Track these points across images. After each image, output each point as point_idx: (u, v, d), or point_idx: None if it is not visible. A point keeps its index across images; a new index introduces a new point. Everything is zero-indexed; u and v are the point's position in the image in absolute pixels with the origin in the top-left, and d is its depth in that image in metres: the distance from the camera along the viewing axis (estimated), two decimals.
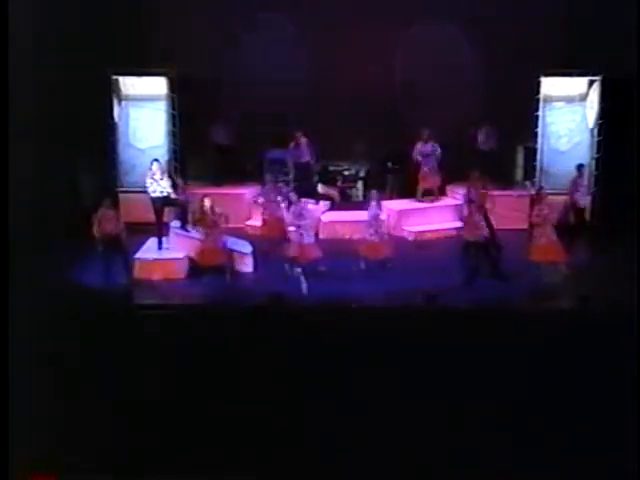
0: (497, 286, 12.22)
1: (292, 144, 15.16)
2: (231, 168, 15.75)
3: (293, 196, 13.35)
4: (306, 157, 15.17)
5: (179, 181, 13.93)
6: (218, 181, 15.51)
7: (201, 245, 12.76)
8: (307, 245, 12.69)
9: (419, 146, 14.99)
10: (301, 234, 12.68)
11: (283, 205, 13.47)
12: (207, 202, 12.73)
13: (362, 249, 13.02)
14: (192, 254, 12.95)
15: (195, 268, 12.90)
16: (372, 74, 15.45)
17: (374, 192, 13.55)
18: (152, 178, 13.35)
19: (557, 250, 12.42)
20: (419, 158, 15.04)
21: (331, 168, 15.77)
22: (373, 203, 13.25)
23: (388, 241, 13.23)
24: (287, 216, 13.09)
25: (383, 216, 13.52)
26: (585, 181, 14.31)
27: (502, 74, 14.93)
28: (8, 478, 8.35)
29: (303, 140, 15.10)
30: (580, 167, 14.03)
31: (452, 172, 15.27)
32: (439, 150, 14.95)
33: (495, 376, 9.67)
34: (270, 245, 13.36)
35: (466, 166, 14.14)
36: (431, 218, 15.18)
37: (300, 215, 12.83)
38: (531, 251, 12.51)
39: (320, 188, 15.52)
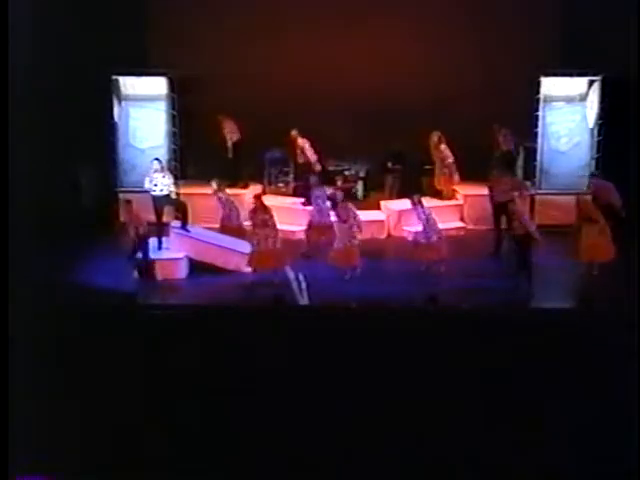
0: (498, 286, 12.25)
1: (291, 144, 15.14)
2: (231, 168, 15.74)
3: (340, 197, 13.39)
4: (305, 157, 15.17)
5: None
6: (218, 181, 15.50)
7: (254, 249, 12.71)
8: (354, 250, 12.61)
9: (434, 150, 15.08)
10: (351, 239, 12.62)
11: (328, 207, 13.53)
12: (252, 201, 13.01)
13: (418, 252, 12.90)
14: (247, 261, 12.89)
15: (195, 268, 12.95)
16: (372, 74, 15.45)
17: (416, 196, 13.36)
18: (152, 176, 13.38)
19: (606, 249, 12.52)
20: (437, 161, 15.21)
21: (331, 168, 15.77)
22: (420, 206, 13.10)
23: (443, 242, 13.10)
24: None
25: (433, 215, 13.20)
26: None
27: (502, 74, 14.92)
28: (8, 478, 8.35)
29: (300, 141, 15.09)
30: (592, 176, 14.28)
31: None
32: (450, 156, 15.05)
33: (495, 376, 9.66)
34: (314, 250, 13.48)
35: (468, 166, 14.20)
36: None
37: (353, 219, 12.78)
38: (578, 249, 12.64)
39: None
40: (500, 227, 13.97)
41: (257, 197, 13.24)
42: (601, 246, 12.49)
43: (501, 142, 15.36)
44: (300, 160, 15.23)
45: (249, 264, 12.81)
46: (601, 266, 12.74)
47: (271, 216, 12.86)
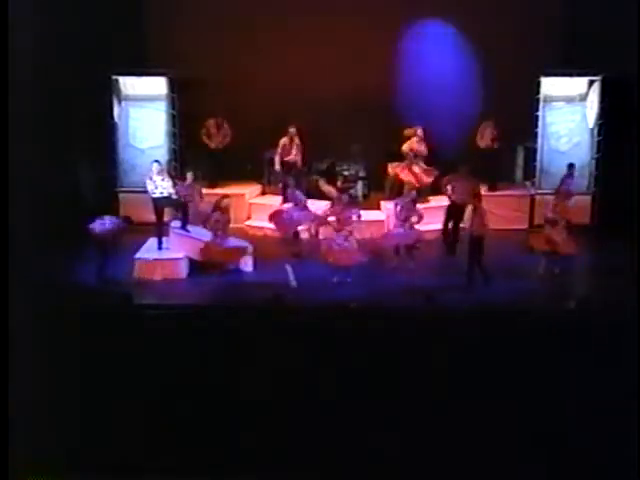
0: (496, 286, 12.25)
1: (286, 139, 15.04)
2: (231, 168, 15.73)
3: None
4: (297, 155, 15.15)
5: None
6: (218, 181, 15.52)
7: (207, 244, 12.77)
8: (348, 249, 12.55)
9: (415, 144, 14.96)
10: (345, 238, 12.58)
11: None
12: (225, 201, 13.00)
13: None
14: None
15: (195, 268, 12.96)
16: (372, 74, 15.44)
17: (413, 193, 13.59)
18: (152, 179, 13.38)
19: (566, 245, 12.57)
20: (412, 155, 14.99)
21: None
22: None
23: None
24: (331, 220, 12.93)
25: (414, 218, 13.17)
26: (574, 180, 13.88)
27: (502, 74, 14.92)
28: (8, 478, 8.35)
29: (296, 140, 15.06)
30: (570, 166, 13.83)
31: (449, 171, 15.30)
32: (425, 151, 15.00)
33: (494, 376, 9.67)
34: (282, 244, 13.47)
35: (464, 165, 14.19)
36: (428, 218, 15.09)
37: (348, 219, 12.75)
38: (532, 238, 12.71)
39: (322, 184, 15.49)
40: (448, 228, 14.01)
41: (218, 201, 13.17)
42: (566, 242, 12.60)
43: (485, 140, 15.28)
44: (286, 158, 15.16)
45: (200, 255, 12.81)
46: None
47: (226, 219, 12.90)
